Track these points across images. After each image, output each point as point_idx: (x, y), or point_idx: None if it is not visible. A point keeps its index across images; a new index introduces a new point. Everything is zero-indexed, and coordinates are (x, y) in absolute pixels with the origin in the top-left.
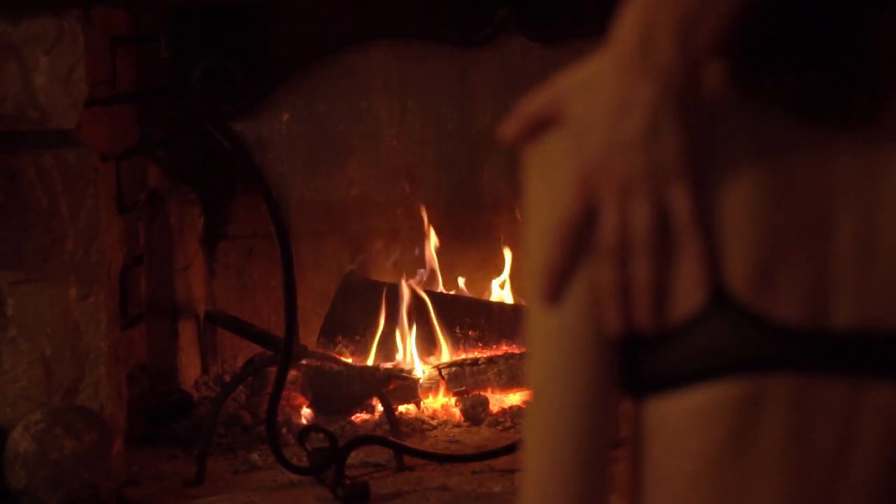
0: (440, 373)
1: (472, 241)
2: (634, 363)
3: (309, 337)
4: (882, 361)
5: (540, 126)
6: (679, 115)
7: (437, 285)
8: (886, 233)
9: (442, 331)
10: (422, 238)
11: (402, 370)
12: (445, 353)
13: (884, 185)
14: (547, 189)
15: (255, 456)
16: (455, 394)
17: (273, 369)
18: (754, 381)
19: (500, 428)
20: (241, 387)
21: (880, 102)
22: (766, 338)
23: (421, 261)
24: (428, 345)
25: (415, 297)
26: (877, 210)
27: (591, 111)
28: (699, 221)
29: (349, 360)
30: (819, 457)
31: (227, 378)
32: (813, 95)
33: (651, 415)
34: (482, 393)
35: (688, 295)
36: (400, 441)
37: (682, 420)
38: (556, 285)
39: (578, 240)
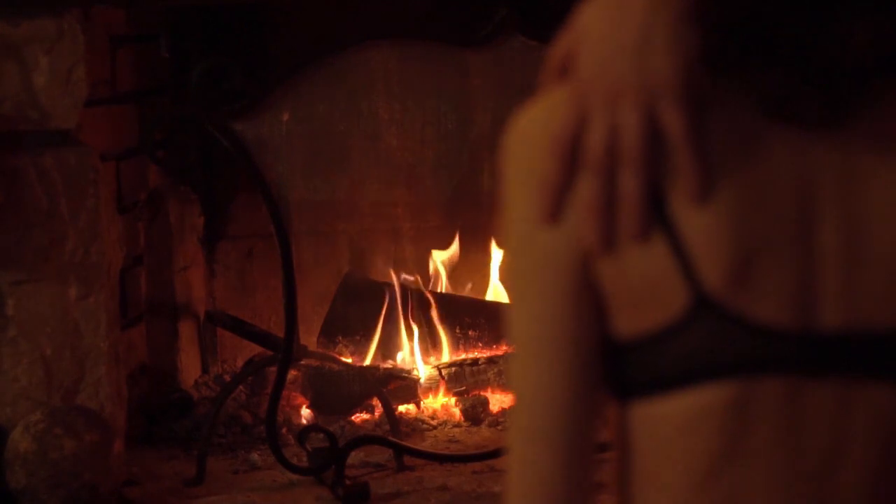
0: (440, 373)
1: (471, 240)
2: (620, 367)
3: (309, 337)
4: (871, 362)
5: (567, 63)
6: (672, 25)
7: (437, 285)
8: (872, 233)
9: (442, 331)
10: (421, 238)
11: (402, 370)
12: (445, 353)
13: (867, 186)
14: (537, 130)
15: (255, 456)
16: (455, 394)
17: (273, 369)
18: (742, 384)
19: (500, 428)
20: (241, 387)
21: (850, 103)
22: (751, 340)
23: (421, 261)
24: (428, 345)
25: (415, 296)
26: (861, 210)
27: (595, 34)
28: (694, 136)
29: (349, 360)
30: (811, 459)
31: (227, 378)
32: (781, 94)
33: (638, 419)
34: (482, 393)
35: (670, 298)
36: (400, 441)
37: (671, 425)
38: (555, 200)
39: (574, 154)
